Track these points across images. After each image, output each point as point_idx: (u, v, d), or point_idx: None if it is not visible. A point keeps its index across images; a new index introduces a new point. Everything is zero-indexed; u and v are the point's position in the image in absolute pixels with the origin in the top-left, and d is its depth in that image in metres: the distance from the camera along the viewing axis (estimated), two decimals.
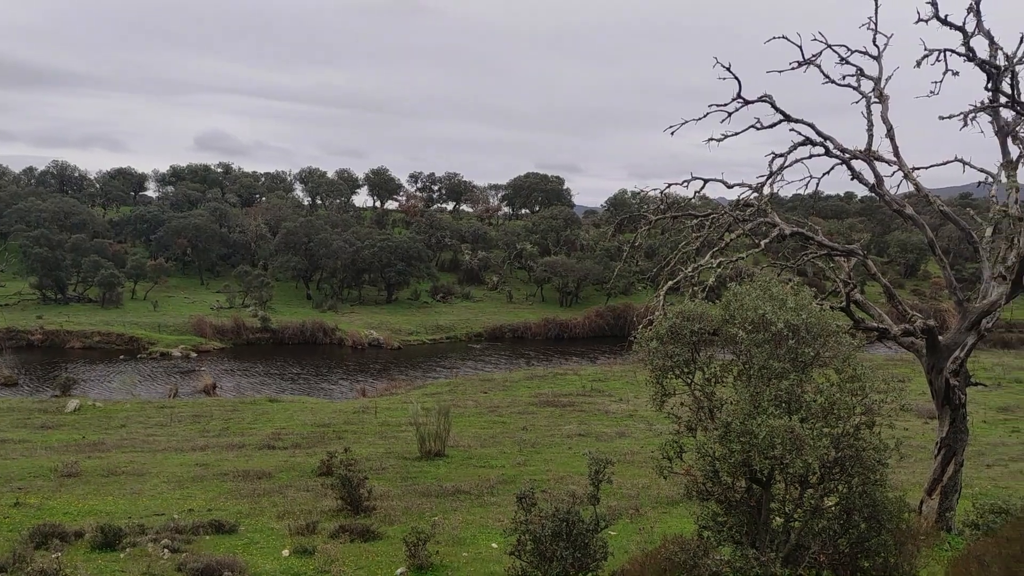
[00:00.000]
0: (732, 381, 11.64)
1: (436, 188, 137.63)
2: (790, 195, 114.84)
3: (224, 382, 54.12)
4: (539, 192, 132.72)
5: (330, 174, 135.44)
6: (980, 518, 15.36)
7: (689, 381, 11.88)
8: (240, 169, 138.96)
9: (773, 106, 17.04)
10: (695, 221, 17.87)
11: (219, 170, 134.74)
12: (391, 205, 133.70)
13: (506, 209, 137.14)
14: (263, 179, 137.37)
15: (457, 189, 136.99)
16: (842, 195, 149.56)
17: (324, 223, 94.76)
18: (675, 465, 11.44)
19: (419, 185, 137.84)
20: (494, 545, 16.44)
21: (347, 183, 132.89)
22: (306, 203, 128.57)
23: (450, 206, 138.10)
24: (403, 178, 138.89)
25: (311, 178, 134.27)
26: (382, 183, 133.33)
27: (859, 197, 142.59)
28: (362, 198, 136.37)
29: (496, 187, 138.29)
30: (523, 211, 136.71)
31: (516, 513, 12.03)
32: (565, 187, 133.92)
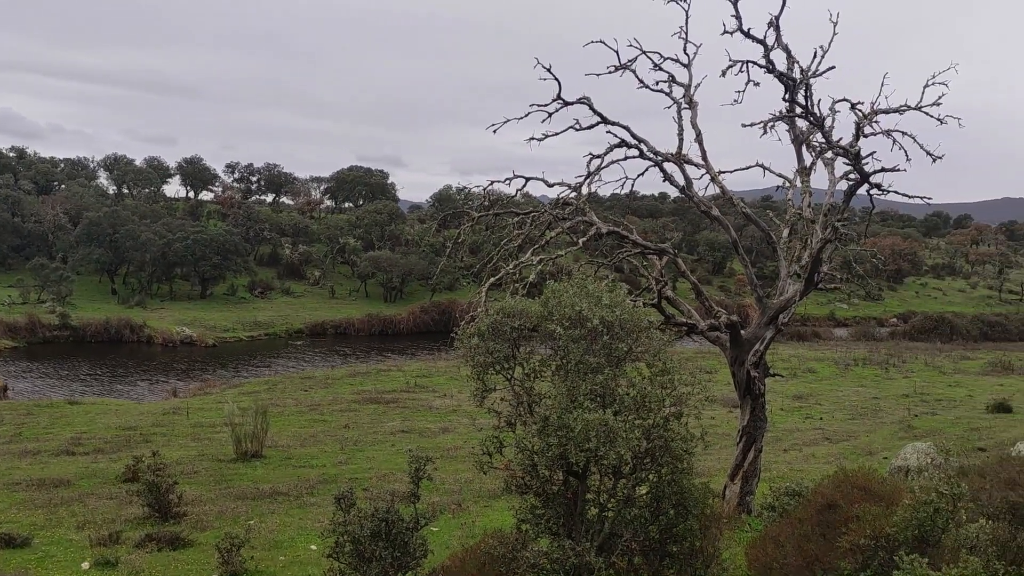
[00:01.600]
0: (550, 376, 11.89)
1: (255, 179, 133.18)
2: (608, 194, 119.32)
3: (17, 384, 50.03)
4: (363, 186, 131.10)
5: (138, 162, 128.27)
6: (776, 500, 16.49)
7: (509, 376, 12.05)
8: (36, 154, 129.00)
9: (591, 108, 17.58)
10: (517, 219, 18.18)
11: (11, 154, 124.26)
12: (206, 196, 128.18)
13: (329, 202, 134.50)
14: (62, 165, 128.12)
15: (277, 181, 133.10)
16: (656, 195, 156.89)
17: (132, 214, 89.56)
18: (495, 460, 11.59)
19: (236, 176, 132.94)
20: (313, 547, 16.13)
21: (157, 172, 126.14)
22: (111, 192, 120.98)
23: (269, 198, 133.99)
24: (219, 168, 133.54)
25: (117, 165, 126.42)
26: (196, 172, 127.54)
27: (672, 198, 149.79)
28: (174, 188, 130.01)
29: (318, 179, 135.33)
30: (346, 205, 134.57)
31: (335, 514, 11.82)
32: (389, 181, 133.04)
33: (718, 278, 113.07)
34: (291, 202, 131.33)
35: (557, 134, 17.81)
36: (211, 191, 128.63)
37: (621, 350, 11.21)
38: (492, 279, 16.47)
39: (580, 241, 16.82)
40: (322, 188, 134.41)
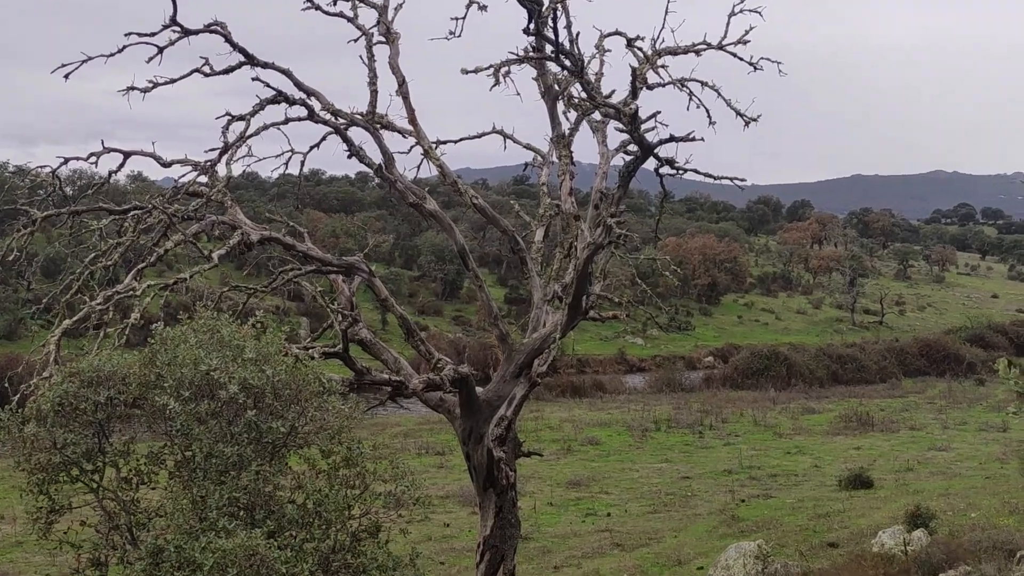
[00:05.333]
0: (166, 479, 11.57)
1: None
2: (273, 174, 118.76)
3: None
4: None
5: None
6: None
7: (95, 485, 11.58)
8: None
9: (228, 40, 17.29)
10: (109, 220, 17.52)
11: None
12: None
13: None
14: None
15: None
16: (353, 177, 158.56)
17: None
18: None
19: None
20: None
21: None
22: None
23: None
24: None
25: None
26: None
27: (375, 181, 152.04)
28: None
29: None
30: None
31: None
32: None
33: (452, 304, 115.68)
34: None
35: (174, 81, 17.36)
36: None
37: (278, 432, 11.06)
38: (68, 321, 15.70)
39: (214, 255, 16.39)
40: None
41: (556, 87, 20.06)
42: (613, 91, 19.73)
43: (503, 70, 18.04)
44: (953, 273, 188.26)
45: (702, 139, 18.43)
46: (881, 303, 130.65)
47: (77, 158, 17.62)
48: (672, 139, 18.48)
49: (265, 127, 18.26)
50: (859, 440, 53.37)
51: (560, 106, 20.30)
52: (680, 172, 19.96)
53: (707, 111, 19.75)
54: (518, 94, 18.90)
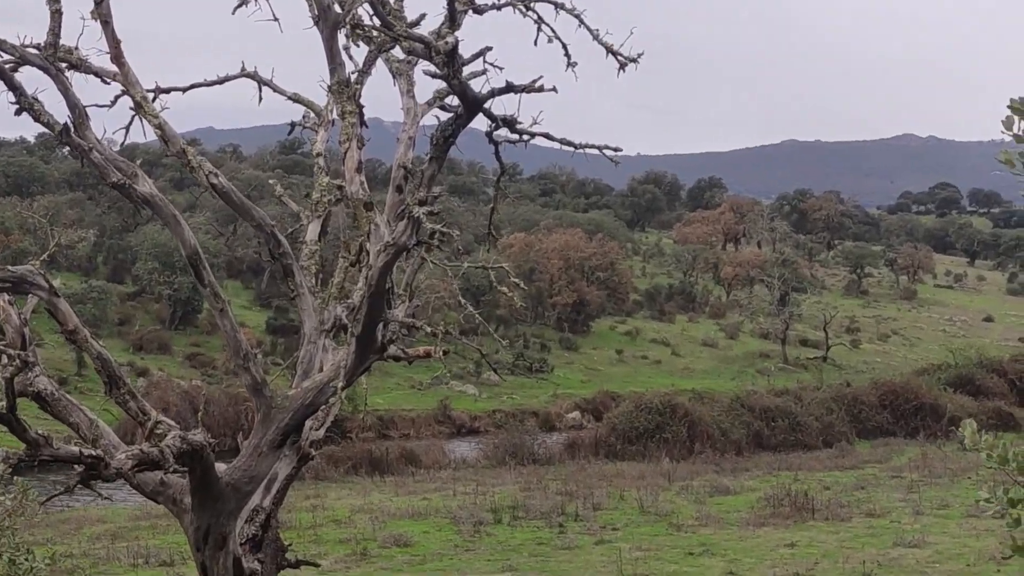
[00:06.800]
0: None
1: None
2: None
3: None
4: None
5: None
6: None
7: None
8: None
9: None
10: None
11: None
12: None
13: None
14: None
15: None
16: (33, 142, 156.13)
17: None
18: None
19: None
20: None
21: None
22: None
23: None
24: None
25: None
26: None
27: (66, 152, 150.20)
28: None
29: None
30: None
31: None
32: None
33: (186, 335, 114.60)
34: None
35: None
36: None
37: None
38: None
39: None
40: None
41: (337, 8, 20.01)
42: (422, 16, 19.77)
43: None
44: (929, 286, 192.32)
45: (553, 89, 18.53)
46: (825, 330, 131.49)
47: None
48: (510, 88, 18.56)
49: None
50: (794, 533, 53.74)
51: (342, 38, 20.26)
52: (524, 138, 20.05)
53: (564, 47, 20.00)
54: (276, 19, 18.88)
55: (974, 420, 11.34)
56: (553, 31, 19.74)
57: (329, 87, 20.77)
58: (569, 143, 20.34)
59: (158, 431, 18.57)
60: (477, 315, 22.89)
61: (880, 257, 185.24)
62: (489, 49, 19.07)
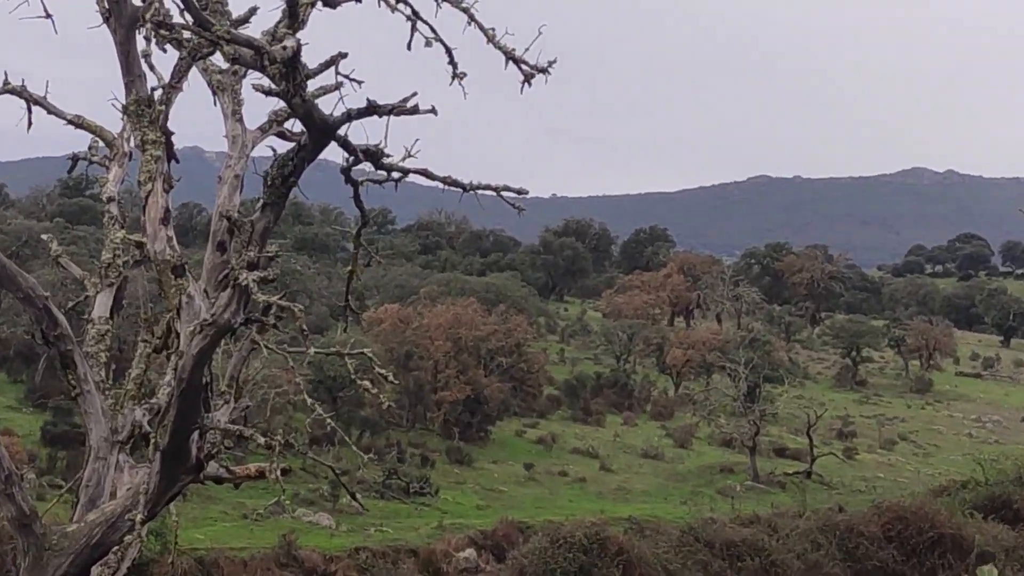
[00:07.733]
0: None
1: None
2: None
3: None
4: None
5: None
6: None
7: None
8: None
9: None
10: None
11: None
12: None
13: None
14: None
15: None
16: None
17: None
18: None
19: None
20: None
21: None
22: None
23: None
24: None
25: None
26: None
27: None
28: None
29: None
30: None
31: None
32: None
33: None
34: None
35: None
36: None
37: None
38: None
39: None
40: None
41: (124, 9, 19.45)
42: (253, 10, 19.33)
43: None
44: (949, 374, 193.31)
45: (432, 110, 18.02)
46: (809, 435, 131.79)
47: None
48: (373, 109, 17.94)
49: None
50: None
51: (141, 40, 19.63)
52: (394, 176, 19.62)
53: (448, 51, 19.76)
54: (48, 15, 18.41)
55: (1008, 557, 10.64)
56: (433, 30, 19.31)
57: (124, 107, 20.11)
58: (456, 183, 19.95)
59: None
60: (329, 419, 22.38)
61: (883, 335, 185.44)
62: (343, 56, 18.63)
